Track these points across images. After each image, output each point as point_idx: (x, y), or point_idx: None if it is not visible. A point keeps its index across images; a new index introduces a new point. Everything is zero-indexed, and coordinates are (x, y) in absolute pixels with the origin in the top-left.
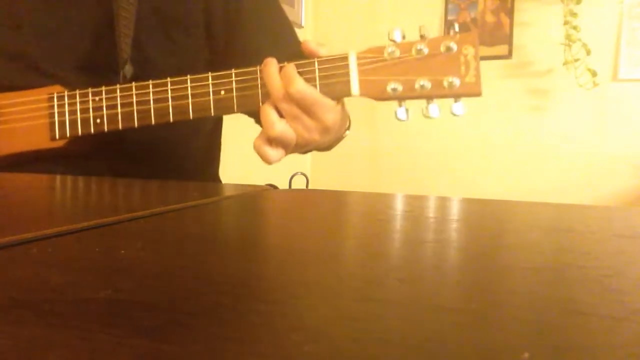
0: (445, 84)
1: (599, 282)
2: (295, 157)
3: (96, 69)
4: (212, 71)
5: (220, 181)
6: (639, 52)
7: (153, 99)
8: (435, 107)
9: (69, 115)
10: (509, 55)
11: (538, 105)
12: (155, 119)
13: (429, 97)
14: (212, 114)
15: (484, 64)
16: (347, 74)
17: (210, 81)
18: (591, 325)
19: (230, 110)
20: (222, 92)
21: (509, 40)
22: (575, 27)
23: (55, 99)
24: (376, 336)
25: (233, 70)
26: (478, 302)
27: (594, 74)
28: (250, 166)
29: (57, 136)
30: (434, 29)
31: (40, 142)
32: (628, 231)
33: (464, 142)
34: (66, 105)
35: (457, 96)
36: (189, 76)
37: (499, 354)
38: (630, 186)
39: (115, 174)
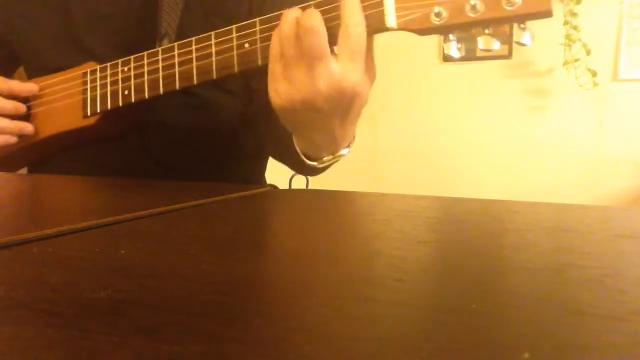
0: (504, 2)
1: (599, 282)
2: None
3: (140, 50)
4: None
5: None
6: (639, 52)
7: (178, 62)
8: (492, 39)
9: (99, 90)
10: (509, 56)
11: (538, 105)
12: (179, 82)
13: (484, 23)
14: (236, 70)
15: (483, 64)
16: (381, 3)
17: (234, 34)
18: (591, 325)
19: (254, 64)
20: (247, 45)
21: (509, 40)
22: (575, 27)
23: (88, 75)
24: (376, 336)
25: (257, 19)
26: (478, 302)
27: (594, 74)
28: None
29: (89, 112)
30: None
31: (73, 121)
32: (628, 231)
33: (464, 142)
34: (98, 80)
35: (520, 18)
36: (213, 32)
37: (499, 354)
38: (630, 186)
39: (151, 158)
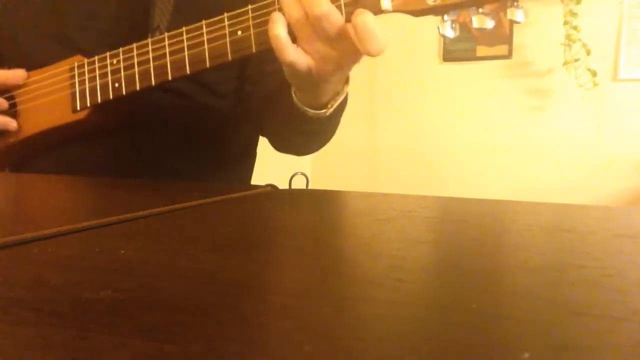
0: None
1: (599, 282)
2: (295, 157)
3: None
4: (244, 64)
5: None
6: (639, 52)
7: (169, 52)
8: (486, 18)
9: (88, 83)
10: (509, 55)
11: (538, 105)
12: (172, 72)
13: (478, 2)
14: (230, 58)
15: (484, 64)
16: None
17: (226, 22)
18: (591, 325)
19: (248, 50)
20: (239, 32)
21: (509, 40)
22: (575, 27)
23: (76, 69)
24: (376, 336)
25: (250, 7)
26: (478, 302)
27: (594, 74)
28: None
29: (78, 107)
30: (432, 26)
31: (63, 116)
32: (628, 231)
33: (464, 142)
34: (86, 73)
35: None
36: (204, 21)
37: (499, 354)
38: (630, 186)
39: (141, 155)
